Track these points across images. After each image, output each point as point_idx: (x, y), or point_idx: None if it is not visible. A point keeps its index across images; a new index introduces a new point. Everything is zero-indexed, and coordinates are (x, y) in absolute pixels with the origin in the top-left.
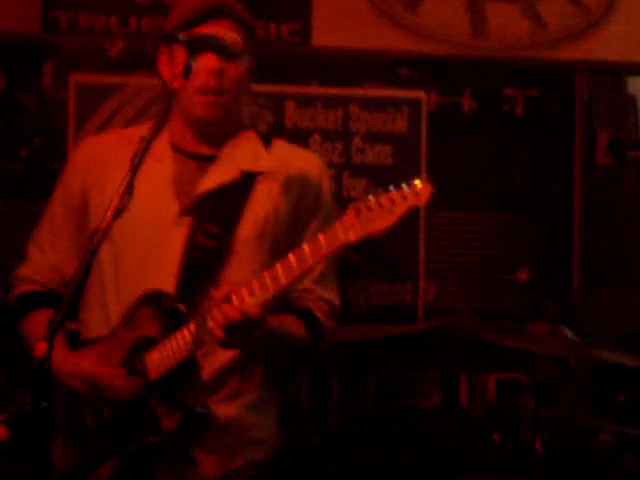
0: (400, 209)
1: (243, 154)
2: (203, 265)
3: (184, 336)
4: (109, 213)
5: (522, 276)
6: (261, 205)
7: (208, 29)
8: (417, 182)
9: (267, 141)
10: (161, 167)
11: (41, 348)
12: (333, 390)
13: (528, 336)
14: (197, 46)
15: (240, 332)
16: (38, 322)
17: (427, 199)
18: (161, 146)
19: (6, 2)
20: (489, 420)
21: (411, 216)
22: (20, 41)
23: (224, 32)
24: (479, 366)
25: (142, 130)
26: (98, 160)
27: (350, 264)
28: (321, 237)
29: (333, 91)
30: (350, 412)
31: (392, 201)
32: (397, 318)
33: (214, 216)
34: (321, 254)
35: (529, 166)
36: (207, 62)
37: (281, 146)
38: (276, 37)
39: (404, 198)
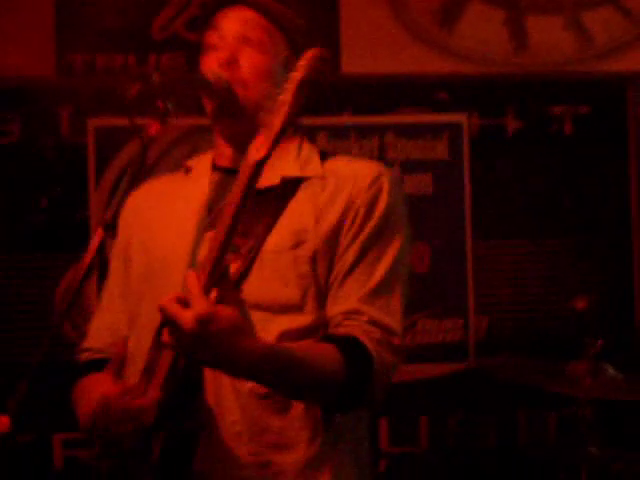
0: (290, 89)
1: (287, 159)
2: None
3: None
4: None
5: (580, 305)
6: (300, 212)
7: (224, 17)
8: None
9: (325, 156)
10: (196, 188)
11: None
12: (382, 433)
13: (567, 378)
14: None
15: (180, 335)
16: (84, 387)
17: (309, 59)
18: (202, 169)
19: (19, 46)
20: (550, 461)
21: (456, 247)
22: (35, 86)
23: (239, 21)
24: (536, 403)
25: (189, 163)
26: (145, 205)
27: None
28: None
29: (367, 120)
30: (402, 457)
31: (286, 90)
32: (447, 356)
33: (244, 227)
34: (240, 191)
35: (581, 187)
36: (210, 60)
37: (340, 158)
38: None
39: (292, 79)
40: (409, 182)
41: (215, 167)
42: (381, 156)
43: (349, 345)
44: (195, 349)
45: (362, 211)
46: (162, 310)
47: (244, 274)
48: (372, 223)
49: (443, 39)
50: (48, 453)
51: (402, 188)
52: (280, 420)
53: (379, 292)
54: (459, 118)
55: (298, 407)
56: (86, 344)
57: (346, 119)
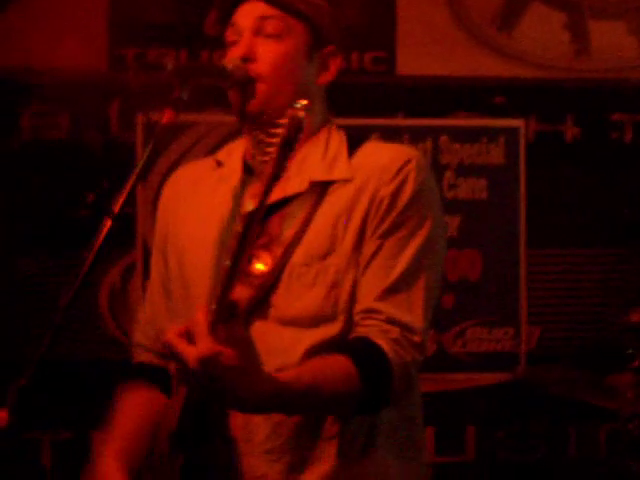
0: (275, 144)
1: (315, 162)
2: (252, 295)
3: None
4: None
5: (636, 317)
6: (329, 218)
7: (239, 13)
8: None
9: (355, 144)
10: (226, 189)
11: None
12: (428, 442)
13: (609, 391)
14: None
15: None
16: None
17: (291, 118)
18: (233, 165)
19: (72, 39)
20: (598, 475)
21: (509, 254)
22: (85, 80)
23: (253, 15)
24: (587, 416)
25: (220, 154)
26: (179, 194)
27: (445, 307)
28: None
29: (421, 122)
30: (448, 467)
31: (273, 144)
32: (497, 366)
33: (271, 237)
34: (237, 241)
35: None
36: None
37: (369, 147)
38: (359, 66)
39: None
40: (463, 187)
41: (246, 166)
42: (435, 159)
43: (364, 351)
44: (199, 386)
45: (385, 203)
46: (167, 345)
47: (272, 287)
48: (393, 214)
49: (502, 42)
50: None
51: (431, 174)
52: (311, 437)
53: (398, 287)
54: (516, 123)
55: (331, 427)
56: (135, 339)
57: (400, 121)
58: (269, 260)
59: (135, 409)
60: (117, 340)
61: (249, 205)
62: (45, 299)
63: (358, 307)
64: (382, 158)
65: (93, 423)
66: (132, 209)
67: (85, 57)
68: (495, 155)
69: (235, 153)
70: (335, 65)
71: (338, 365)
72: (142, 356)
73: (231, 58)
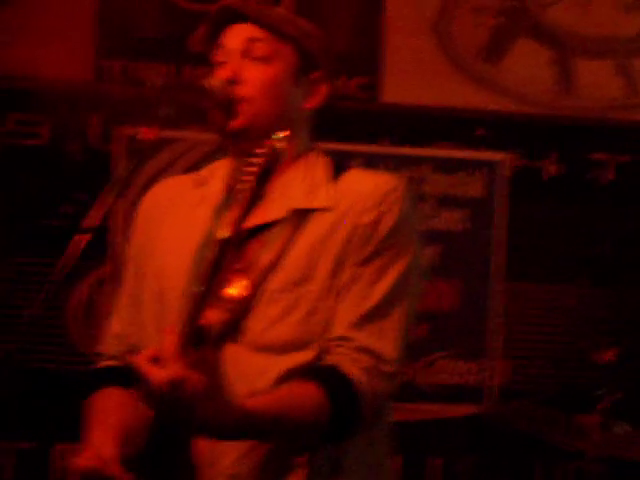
0: (249, 178)
1: (297, 188)
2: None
3: None
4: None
5: (609, 356)
6: (305, 245)
7: (227, 34)
8: None
9: (338, 171)
10: (206, 209)
11: None
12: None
13: (576, 430)
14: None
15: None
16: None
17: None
18: (215, 186)
19: (58, 49)
20: None
21: (484, 287)
22: (67, 91)
23: (241, 37)
24: (553, 454)
25: (202, 173)
26: (159, 208)
27: (417, 338)
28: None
29: (404, 151)
30: None
31: (246, 177)
32: (465, 398)
33: (248, 262)
34: (209, 268)
35: (619, 236)
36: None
37: (352, 175)
38: (344, 92)
39: (251, 168)
40: (442, 218)
41: (227, 187)
42: (415, 188)
43: (334, 380)
44: (165, 410)
45: (366, 231)
46: (135, 367)
47: (246, 312)
48: (374, 243)
49: (487, 74)
50: (47, 463)
51: (414, 204)
52: (278, 466)
53: (373, 316)
54: (498, 156)
55: (299, 455)
56: (98, 350)
57: (383, 148)
58: (245, 285)
59: (115, 407)
60: (84, 353)
61: (225, 230)
62: (13, 305)
63: (331, 334)
64: (365, 186)
65: (58, 434)
66: (106, 223)
67: (71, 67)
68: (475, 187)
69: (218, 173)
70: (323, 91)
71: (306, 394)
72: (105, 363)
73: (217, 79)
